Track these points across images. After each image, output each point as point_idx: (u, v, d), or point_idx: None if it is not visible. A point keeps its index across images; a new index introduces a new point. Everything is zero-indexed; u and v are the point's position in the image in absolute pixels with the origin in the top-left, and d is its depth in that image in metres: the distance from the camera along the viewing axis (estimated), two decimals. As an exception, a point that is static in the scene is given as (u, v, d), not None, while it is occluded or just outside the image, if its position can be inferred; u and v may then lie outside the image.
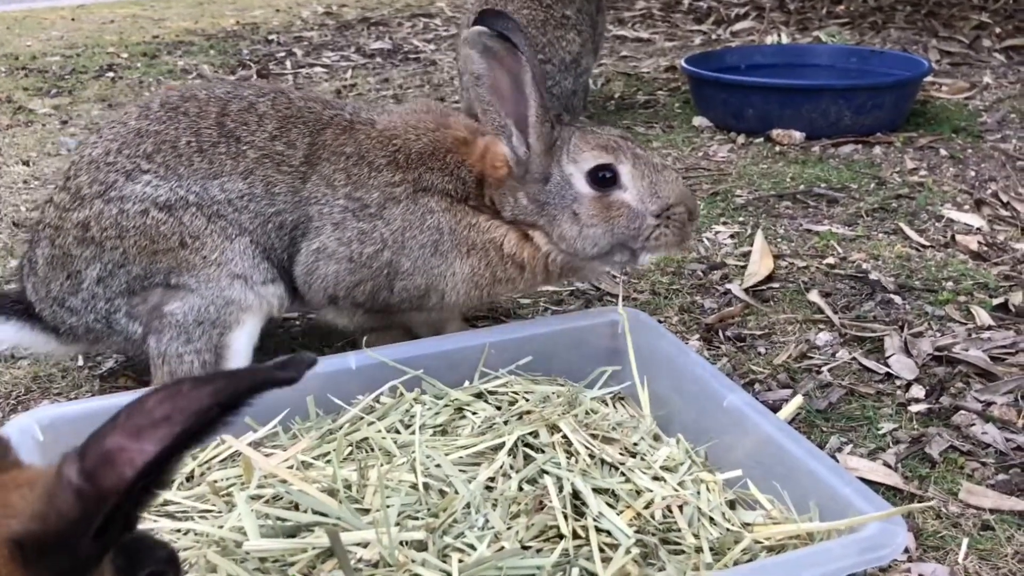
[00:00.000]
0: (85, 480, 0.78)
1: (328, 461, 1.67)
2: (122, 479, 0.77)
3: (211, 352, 2.02)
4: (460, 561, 1.39)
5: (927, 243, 2.94)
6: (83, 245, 2.00)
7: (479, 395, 1.91)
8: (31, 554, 0.79)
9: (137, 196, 1.98)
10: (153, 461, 0.77)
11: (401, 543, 1.43)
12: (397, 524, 1.48)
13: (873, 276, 2.70)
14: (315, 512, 1.50)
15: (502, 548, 1.42)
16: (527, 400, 1.88)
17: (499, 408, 1.87)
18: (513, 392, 1.92)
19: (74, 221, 2.00)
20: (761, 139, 3.98)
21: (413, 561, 1.39)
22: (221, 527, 1.50)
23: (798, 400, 1.99)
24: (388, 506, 1.51)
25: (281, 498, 1.57)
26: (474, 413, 1.86)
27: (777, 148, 3.88)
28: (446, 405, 1.87)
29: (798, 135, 3.93)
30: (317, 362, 0.82)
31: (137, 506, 0.81)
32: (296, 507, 1.54)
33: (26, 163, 3.97)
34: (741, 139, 4.00)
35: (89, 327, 2.06)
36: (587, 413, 1.85)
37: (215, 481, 1.65)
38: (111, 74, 5.58)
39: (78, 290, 2.03)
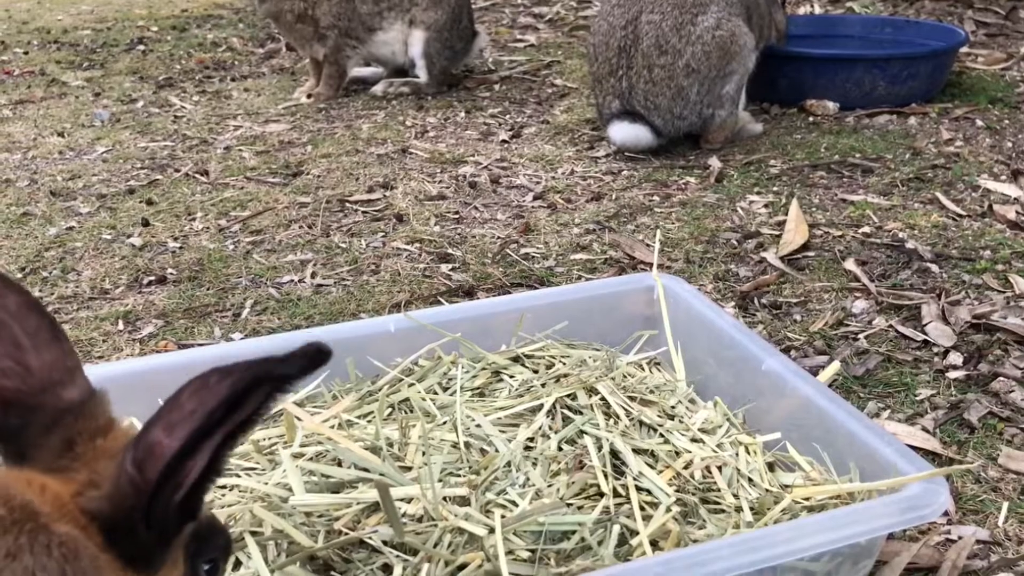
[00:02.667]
0: (136, 470, 0.81)
1: (370, 421, 1.69)
2: (158, 472, 0.80)
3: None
4: (503, 516, 1.40)
5: (964, 213, 2.91)
6: (688, 77, 3.30)
7: (516, 359, 1.92)
8: (105, 532, 0.82)
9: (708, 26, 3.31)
10: (176, 455, 0.79)
11: (444, 499, 1.45)
12: (440, 481, 1.50)
13: (909, 245, 2.68)
14: (359, 468, 1.51)
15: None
16: (564, 364, 1.88)
17: (536, 372, 1.88)
18: (550, 356, 1.93)
19: (680, 66, 3.29)
20: (795, 109, 3.94)
21: (456, 516, 1.40)
22: (266, 483, 1.52)
23: (835, 366, 1.98)
24: (432, 463, 1.53)
25: (324, 456, 1.59)
26: (511, 376, 1.87)
27: (811, 118, 3.84)
28: (483, 368, 1.88)
29: (832, 105, 3.89)
30: (326, 355, 0.79)
31: (196, 493, 0.83)
32: (339, 464, 1.56)
33: (61, 134, 4.01)
34: (775, 109, 3.97)
35: (689, 123, 3.41)
36: (624, 377, 1.85)
37: (258, 441, 1.67)
38: (141, 47, 5.60)
39: (687, 103, 3.35)
